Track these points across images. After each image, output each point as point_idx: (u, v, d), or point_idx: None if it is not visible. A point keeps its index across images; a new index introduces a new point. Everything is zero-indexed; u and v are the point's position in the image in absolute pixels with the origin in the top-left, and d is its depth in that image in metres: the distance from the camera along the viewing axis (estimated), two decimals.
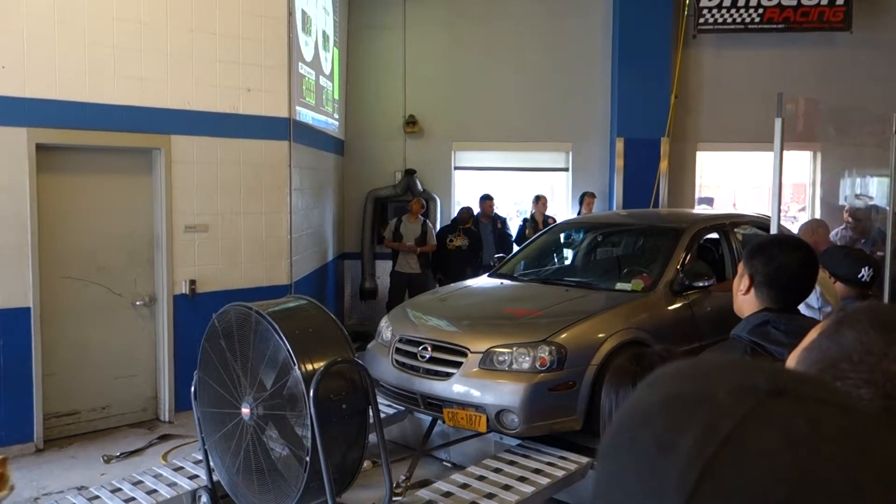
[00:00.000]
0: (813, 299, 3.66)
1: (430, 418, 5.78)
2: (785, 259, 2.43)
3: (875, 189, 8.44)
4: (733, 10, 10.59)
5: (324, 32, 9.48)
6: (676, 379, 0.64)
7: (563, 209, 11.39)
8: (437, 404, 5.36)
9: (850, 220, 7.75)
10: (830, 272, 3.83)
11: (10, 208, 5.91)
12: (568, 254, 7.75)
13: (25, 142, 5.94)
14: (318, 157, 9.23)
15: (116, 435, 6.52)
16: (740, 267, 2.57)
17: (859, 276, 3.80)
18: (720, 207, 14.68)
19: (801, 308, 2.62)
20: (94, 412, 6.60)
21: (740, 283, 2.51)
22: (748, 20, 10.63)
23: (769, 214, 5.90)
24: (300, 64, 8.16)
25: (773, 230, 3.92)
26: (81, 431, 6.49)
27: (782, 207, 4.70)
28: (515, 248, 9.48)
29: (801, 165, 11.75)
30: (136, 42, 6.48)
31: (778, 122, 3.84)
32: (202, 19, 6.87)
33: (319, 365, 4.08)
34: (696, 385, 0.61)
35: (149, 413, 6.93)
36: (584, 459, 5.03)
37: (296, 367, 4.05)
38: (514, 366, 5.16)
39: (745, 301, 2.49)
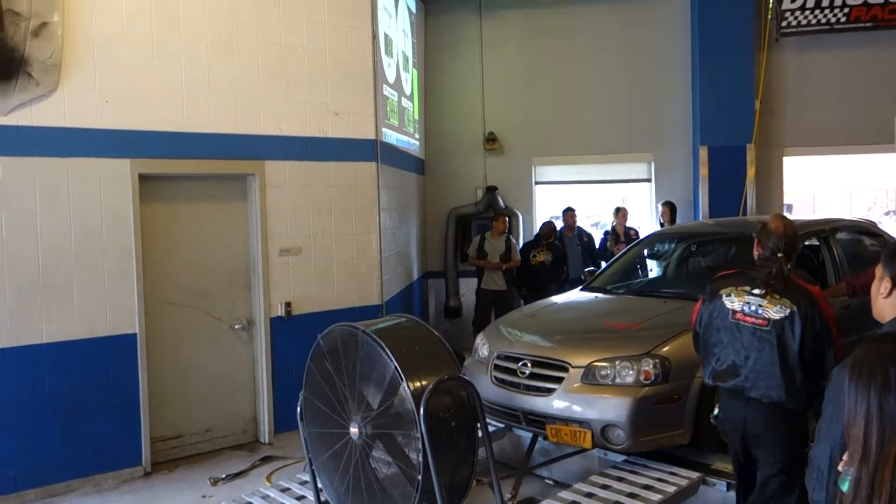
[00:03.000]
0: None
1: (530, 435, 5.68)
2: None
3: None
4: (817, 11, 10.28)
5: (404, 54, 9.56)
6: None
7: (646, 221, 11.19)
8: (539, 420, 5.26)
9: None
10: None
11: (117, 237, 6.08)
12: (660, 265, 7.57)
13: (129, 172, 6.12)
14: (402, 178, 9.28)
15: (219, 457, 6.62)
16: (878, 270, 2.46)
17: None
18: (800, 214, 14.22)
19: None
20: (198, 435, 6.72)
21: (880, 286, 2.40)
22: (833, 20, 10.30)
23: (865, 218, 5.68)
24: (384, 86, 8.23)
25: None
26: (186, 454, 6.61)
27: (866, 211, 4.49)
28: (601, 262, 9.35)
29: (884, 166, 11.35)
30: (229, 70, 6.62)
31: None
32: (291, 46, 6.98)
33: (427, 382, 4.04)
34: None
35: (249, 435, 7.01)
36: (695, 474, 4.87)
37: (404, 384, 4.03)
38: (618, 380, 5.04)
39: (887, 305, 2.38)
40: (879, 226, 7.75)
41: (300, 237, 7.12)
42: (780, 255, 4.08)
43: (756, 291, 4.05)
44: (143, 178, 6.22)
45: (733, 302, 4.12)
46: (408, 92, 9.77)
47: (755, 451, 4.13)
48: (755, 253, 4.25)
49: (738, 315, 4.09)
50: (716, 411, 4.40)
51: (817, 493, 2.25)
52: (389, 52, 8.64)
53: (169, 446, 6.54)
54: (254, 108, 6.79)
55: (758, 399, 4.02)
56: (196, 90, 6.45)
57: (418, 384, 4.07)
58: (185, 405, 6.62)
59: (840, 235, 6.82)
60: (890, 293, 2.36)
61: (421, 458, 4.00)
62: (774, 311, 3.98)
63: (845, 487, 1.60)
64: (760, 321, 4.02)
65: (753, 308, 4.04)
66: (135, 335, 6.16)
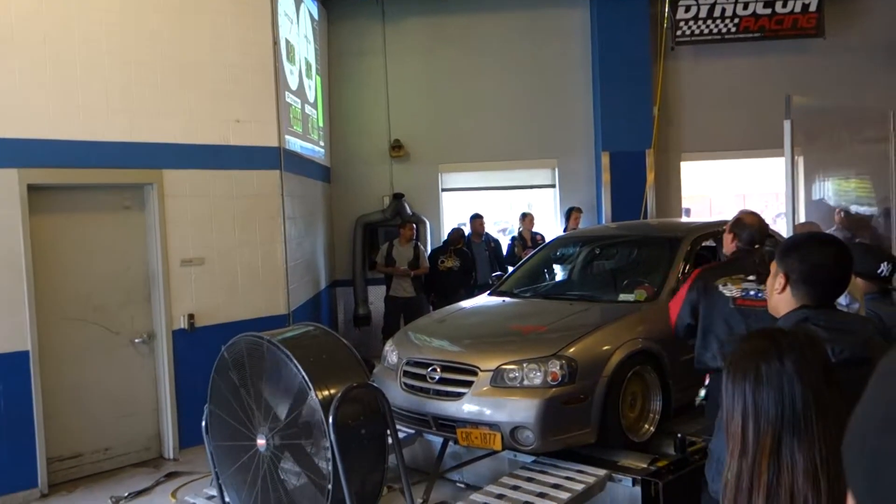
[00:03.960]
0: (841, 297, 3.66)
1: (441, 440, 5.71)
2: (820, 255, 2.42)
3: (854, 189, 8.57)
4: (710, 21, 10.72)
5: (306, 60, 9.47)
6: None
7: (551, 225, 11.40)
8: (449, 425, 5.29)
9: (842, 220, 7.81)
10: None
11: (4, 250, 5.81)
12: (566, 268, 7.73)
13: (17, 183, 5.86)
14: (307, 186, 9.19)
15: (121, 475, 6.40)
16: (773, 266, 2.55)
17: (879, 271, 3.82)
18: (698, 217, 14.75)
19: None
20: (98, 454, 6.48)
21: (774, 282, 2.49)
22: (724, 30, 10.76)
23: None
24: (286, 93, 8.13)
25: (788, 232, 3.93)
26: (85, 474, 6.36)
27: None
28: (508, 267, 9.46)
29: (775, 171, 11.87)
30: (124, 77, 6.43)
31: (787, 125, 3.85)
32: (189, 52, 6.84)
33: (336, 391, 4.02)
34: None
35: (152, 451, 6.81)
36: (602, 471, 4.98)
37: (312, 393, 3.99)
38: (526, 382, 5.11)
39: (782, 300, 2.47)
40: (772, 227, 8.11)
41: (203, 247, 6.97)
42: (756, 245, 4.33)
43: (751, 278, 4.22)
44: (33, 189, 5.97)
45: (731, 290, 4.30)
46: (311, 99, 9.68)
47: None
48: (730, 246, 4.48)
49: (740, 301, 4.27)
50: (701, 394, 4.47)
51: (716, 484, 2.33)
52: (291, 59, 8.55)
53: (67, 466, 6.28)
54: (151, 115, 6.60)
55: None
56: (90, 98, 6.24)
57: (326, 393, 4.04)
58: (84, 423, 6.38)
59: None
60: (784, 288, 2.45)
61: (331, 468, 3.97)
62: None
63: None
64: (763, 303, 4.18)
65: (753, 293, 4.21)
66: (27, 352, 5.90)
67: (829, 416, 1.58)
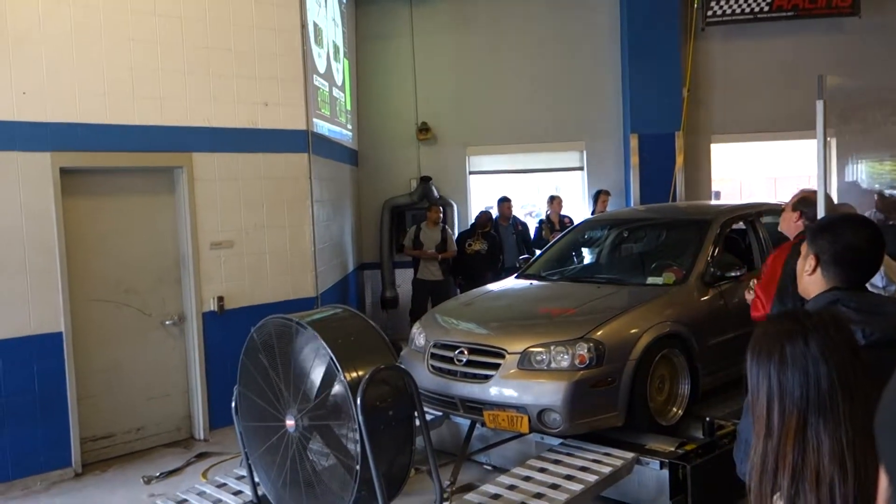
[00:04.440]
0: (877, 278, 3.61)
1: (468, 423, 5.73)
2: (852, 236, 2.39)
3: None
4: (742, 1, 10.55)
5: (334, 43, 9.48)
6: None
7: (579, 208, 11.35)
8: (476, 407, 5.31)
9: (876, 203, 7.70)
10: None
11: (38, 233, 5.90)
12: (593, 251, 7.70)
13: (49, 166, 5.94)
14: (335, 169, 9.23)
15: (153, 455, 6.50)
16: (804, 248, 2.52)
17: None
18: (728, 201, 14.60)
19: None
20: (130, 434, 6.59)
21: (805, 263, 2.47)
22: (757, 9, 10.60)
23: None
24: (314, 76, 8.15)
25: (821, 212, 3.87)
26: (118, 454, 6.47)
27: (790, 197, 4.66)
28: (536, 250, 9.45)
29: (807, 153, 11.70)
30: (152, 62, 6.48)
31: (820, 105, 3.77)
32: (217, 36, 6.87)
33: (364, 372, 4.03)
34: None
35: (183, 432, 6.91)
36: (629, 455, 4.98)
37: (340, 375, 4.01)
38: (553, 364, 5.12)
39: (812, 281, 2.45)
40: None
41: (232, 230, 7.03)
42: None
43: None
44: (65, 173, 6.05)
45: None
46: (339, 82, 9.70)
47: None
48: (794, 225, 4.35)
49: None
50: None
51: (744, 465, 2.32)
52: (319, 42, 8.56)
53: (100, 446, 6.40)
54: (180, 99, 6.65)
55: None
56: (119, 84, 6.29)
57: (355, 374, 4.06)
58: (116, 404, 6.48)
59: (765, 219, 7.02)
60: (814, 270, 2.42)
61: (359, 449, 3.99)
62: None
63: None
64: None
65: None
66: (60, 334, 6.00)
67: (855, 398, 1.57)
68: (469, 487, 5.19)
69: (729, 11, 10.61)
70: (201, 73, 6.78)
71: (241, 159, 7.07)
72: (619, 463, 4.88)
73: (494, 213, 10.60)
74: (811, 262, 2.42)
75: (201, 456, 6.43)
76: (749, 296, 4.38)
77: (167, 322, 6.76)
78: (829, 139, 10.82)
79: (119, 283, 6.51)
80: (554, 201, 10.70)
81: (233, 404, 4.68)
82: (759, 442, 1.64)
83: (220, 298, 6.91)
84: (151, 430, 6.71)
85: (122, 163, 6.40)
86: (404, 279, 10.81)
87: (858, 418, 1.54)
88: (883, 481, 0.84)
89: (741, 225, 6.95)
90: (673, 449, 5.04)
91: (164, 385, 6.79)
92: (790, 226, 4.44)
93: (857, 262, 2.38)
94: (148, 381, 6.67)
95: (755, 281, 4.44)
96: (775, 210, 7.49)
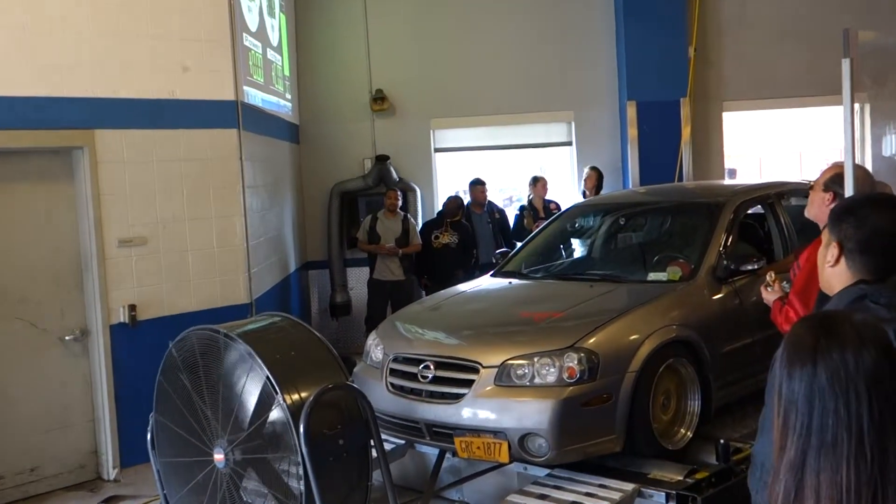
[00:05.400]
0: None
1: (437, 451, 5.73)
2: (879, 219, 2.41)
3: None
4: None
5: None
6: None
7: (567, 191, 11.39)
8: (445, 433, 5.31)
9: None
10: None
11: None
12: (585, 243, 7.74)
13: None
14: (271, 147, 9.20)
15: (52, 501, 6.45)
16: (824, 235, 2.54)
17: None
18: (745, 179, 14.77)
19: None
20: (22, 475, 6.51)
21: (826, 253, 2.49)
22: None
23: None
24: (244, 35, 8.10)
25: (849, 191, 3.88)
26: (6, 500, 6.38)
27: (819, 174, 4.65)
28: (516, 242, 9.47)
29: (837, 122, 11.86)
30: (45, 20, 6.40)
31: (846, 64, 3.79)
32: None
33: (308, 394, 4.04)
34: None
35: (88, 471, 6.86)
36: (629, 486, 5.01)
37: (280, 397, 4.00)
38: (538, 379, 5.12)
39: (835, 274, 2.47)
40: None
41: (145, 224, 6.98)
42: None
43: None
44: None
45: None
46: (274, 42, 9.64)
47: None
48: (826, 207, 4.27)
49: None
50: None
51: (761, 496, 2.31)
52: None
53: None
54: (80, 65, 6.58)
55: None
56: (3, 48, 6.19)
57: (297, 396, 4.07)
58: (4, 440, 6.40)
59: (788, 202, 7.09)
60: (837, 260, 2.44)
61: (302, 487, 3.99)
62: None
63: None
64: None
65: None
66: None
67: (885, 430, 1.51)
68: None
69: None
70: (107, 32, 6.71)
71: (155, 137, 7.01)
72: (617, 496, 4.90)
73: (466, 198, 10.61)
74: (833, 251, 2.45)
75: (111, 501, 6.39)
76: (767, 294, 4.38)
77: (67, 337, 6.70)
78: (860, 104, 11.01)
79: (6, 292, 6.43)
80: (537, 183, 10.70)
81: (148, 436, 4.67)
82: (779, 466, 1.63)
83: (132, 307, 6.85)
84: (49, 469, 6.63)
85: (6, 143, 6.31)
86: (358, 280, 10.81)
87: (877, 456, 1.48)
88: None
89: (759, 209, 7.01)
90: (681, 478, 5.07)
91: (64, 414, 6.72)
92: (821, 209, 4.37)
93: (887, 248, 2.40)
94: (44, 410, 6.60)
95: (772, 274, 4.44)
96: (801, 190, 7.56)
